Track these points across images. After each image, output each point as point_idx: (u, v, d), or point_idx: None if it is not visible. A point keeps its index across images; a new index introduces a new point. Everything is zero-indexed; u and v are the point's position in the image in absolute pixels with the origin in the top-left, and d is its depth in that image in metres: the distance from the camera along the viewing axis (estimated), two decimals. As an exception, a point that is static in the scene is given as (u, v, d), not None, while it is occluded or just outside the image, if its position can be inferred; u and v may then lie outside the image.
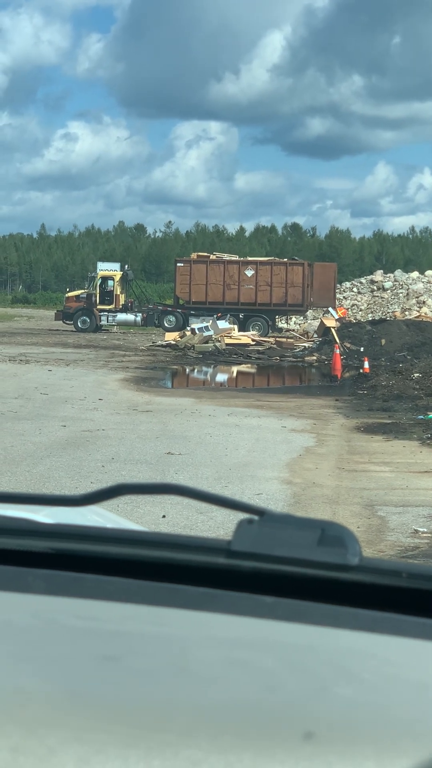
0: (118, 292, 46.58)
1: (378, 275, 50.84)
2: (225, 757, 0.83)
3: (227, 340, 35.40)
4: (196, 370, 28.77)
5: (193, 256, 46.81)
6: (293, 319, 46.34)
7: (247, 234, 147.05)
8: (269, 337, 38.59)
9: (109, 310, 46.11)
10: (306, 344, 35.87)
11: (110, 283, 46.68)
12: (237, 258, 46.85)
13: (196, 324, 37.95)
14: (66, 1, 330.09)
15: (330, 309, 40.99)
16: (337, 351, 26.22)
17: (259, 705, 0.92)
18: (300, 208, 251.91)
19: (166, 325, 43.31)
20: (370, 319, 38.40)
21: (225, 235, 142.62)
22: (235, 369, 29.32)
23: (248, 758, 0.83)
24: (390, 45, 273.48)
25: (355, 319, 41.10)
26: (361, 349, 28.99)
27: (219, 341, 35.07)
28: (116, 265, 49.30)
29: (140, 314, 45.74)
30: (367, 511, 9.09)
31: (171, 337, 37.09)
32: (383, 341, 29.60)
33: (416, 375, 22.11)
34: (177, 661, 1.01)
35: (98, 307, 46.05)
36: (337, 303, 43.77)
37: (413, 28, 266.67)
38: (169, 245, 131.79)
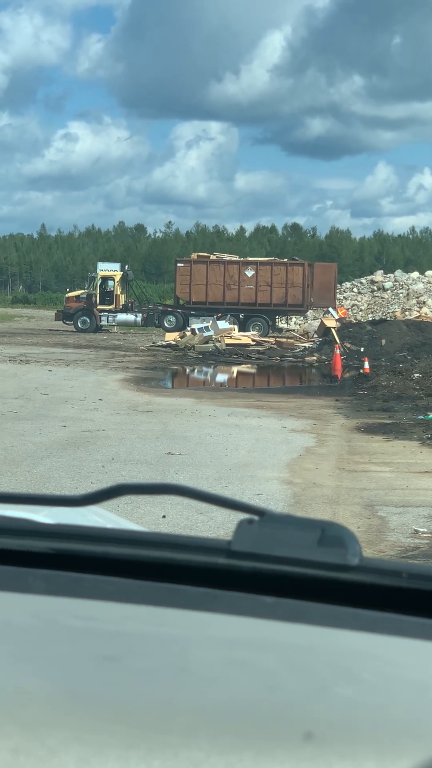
0: (119, 293, 46.58)
1: (378, 275, 50.84)
2: (225, 758, 0.83)
3: (227, 341, 35.41)
4: (196, 371, 28.78)
5: (194, 256, 46.82)
6: (293, 319, 46.35)
7: (247, 234, 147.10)
8: (269, 337, 38.60)
9: (109, 311, 46.10)
10: (306, 344, 35.88)
11: (110, 283, 46.68)
12: (237, 258, 46.86)
13: (196, 324, 37.96)
14: (66, 2, 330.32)
15: (330, 309, 40.99)
16: (338, 351, 26.23)
17: (259, 705, 0.92)
18: (300, 209, 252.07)
19: (166, 325, 43.31)
20: (371, 319, 38.41)
21: (225, 236, 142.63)
22: (235, 369, 29.32)
23: (249, 758, 0.83)
24: (390, 45, 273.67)
25: (356, 319, 41.10)
26: (362, 349, 28.99)
27: (219, 341, 35.08)
28: (116, 266, 49.29)
29: (140, 314, 45.73)
30: (368, 511, 9.09)
31: (171, 337, 37.08)
32: (383, 341, 29.61)
33: (416, 375, 22.11)
34: (177, 662, 1.01)
35: (98, 307, 46.04)
36: (337, 303, 43.77)
37: (413, 29, 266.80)
38: (170, 245, 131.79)
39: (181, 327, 41.29)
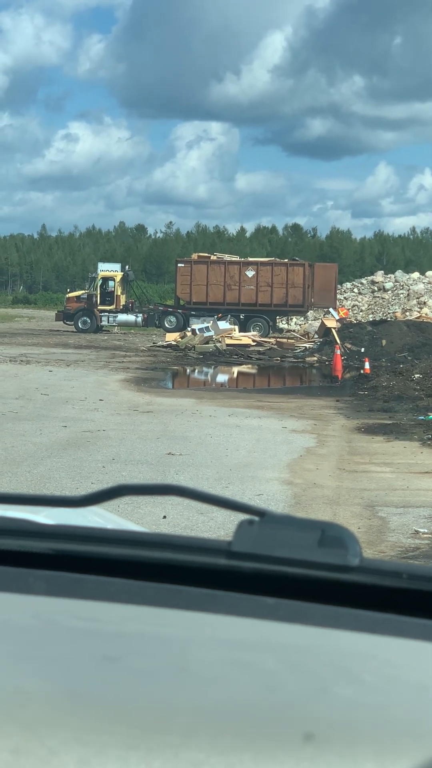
0: (119, 293, 46.58)
1: (379, 276, 50.85)
2: (226, 758, 0.83)
3: (228, 341, 35.42)
4: (196, 371, 28.78)
5: (194, 256, 46.83)
6: (294, 319, 46.35)
7: (247, 234, 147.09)
8: (270, 337, 38.61)
9: (109, 311, 46.10)
10: (307, 345, 35.89)
11: (111, 283, 46.68)
12: (238, 258, 46.85)
13: (196, 325, 37.95)
14: (67, 2, 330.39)
15: (331, 309, 40.98)
16: (338, 352, 26.23)
17: (259, 706, 0.92)
18: (301, 209, 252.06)
19: (166, 325, 43.31)
20: (371, 319, 38.42)
21: (226, 236, 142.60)
22: (235, 370, 29.32)
23: (249, 759, 0.84)
24: (391, 45, 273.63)
25: (356, 319, 41.10)
26: (362, 349, 29.00)
27: (220, 342, 35.08)
28: (117, 266, 49.29)
29: (141, 315, 45.73)
30: (368, 511, 9.09)
31: (172, 337, 37.09)
32: (384, 342, 29.62)
33: (417, 376, 22.11)
34: (177, 662, 1.01)
35: (99, 307, 46.04)
36: (337, 304, 43.77)
37: (414, 29, 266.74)
38: (170, 246, 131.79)
39: (181, 327, 41.29)
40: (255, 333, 39.66)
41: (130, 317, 45.98)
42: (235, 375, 28.06)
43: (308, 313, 44.92)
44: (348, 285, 51.75)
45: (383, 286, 48.46)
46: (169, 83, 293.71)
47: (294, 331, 42.64)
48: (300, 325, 44.58)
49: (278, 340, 37.31)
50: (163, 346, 35.33)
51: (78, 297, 47.07)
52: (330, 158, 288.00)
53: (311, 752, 0.84)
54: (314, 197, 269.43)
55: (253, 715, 0.90)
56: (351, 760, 0.84)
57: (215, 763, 0.83)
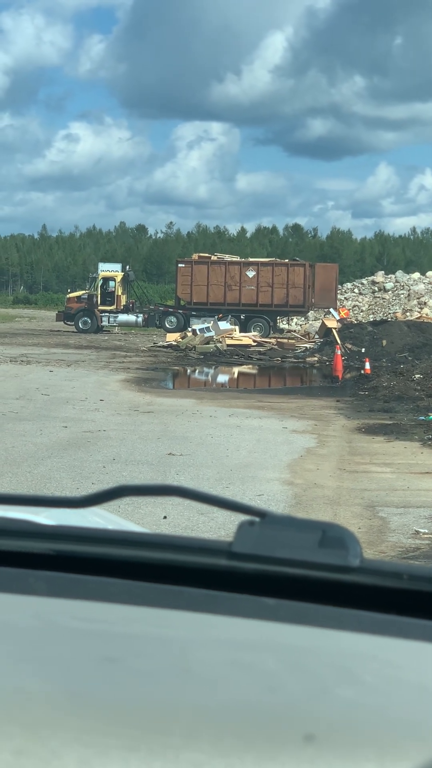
0: (120, 293, 46.57)
1: (379, 276, 50.83)
2: (227, 760, 0.83)
3: (228, 341, 35.41)
4: (197, 371, 28.78)
5: (195, 257, 46.81)
6: (294, 320, 46.32)
7: (248, 235, 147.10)
8: (270, 338, 38.60)
9: (110, 311, 46.09)
10: (307, 345, 35.88)
11: (111, 283, 46.66)
12: (238, 259, 46.84)
13: (197, 325, 37.95)
14: (68, 2, 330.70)
15: (331, 310, 40.97)
16: (339, 352, 26.23)
17: (260, 707, 0.92)
18: (301, 209, 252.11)
19: (167, 326, 43.30)
20: (372, 320, 38.40)
21: (226, 236, 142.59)
22: (236, 370, 29.32)
23: (250, 760, 0.84)
24: (391, 46, 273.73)
25: (357, 320, 41.09)
26: (363, 350, 29.00)
27: (220, 342, 35.08)
28: (117, 266, 49.25)
29: (141, 315, 45.71)
30: (368, 512, 9.09)
31: (172, 338, 37.08)
32: (384, 342, 29.62)
33: (417, 376, 22.11)
34: (178, 663, 1.01)
35: (99, 308, 46.02)
36: (338, 304, 43.77)
37: (415, 29, 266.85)
38: (171, 246, 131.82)
39: (182, 328, 41.27)
40: (255, 333, 39.65)
41: (130, 317, 45.96)
42: (236, 375, 28.06)
43: (309, 314, 44.91)
44: (348, 285, 51.73)
45: (384, 287, 48.44)
46: (169, 83, 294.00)
47: (294, 331, 42.63)
48: (300, 325, 44.58)
49: (279, 340, 37.30)
50: (163, 347, 35.32)
51: (78, 297, 47.05)
52: (331, 158, 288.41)
53: (312, 753, 0.84)
54: (315, 197, 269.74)
55: (254, 716, 0.90)
56: (352, 761, 0.84)
57: (216, 764, 0.83)
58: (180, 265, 44.70)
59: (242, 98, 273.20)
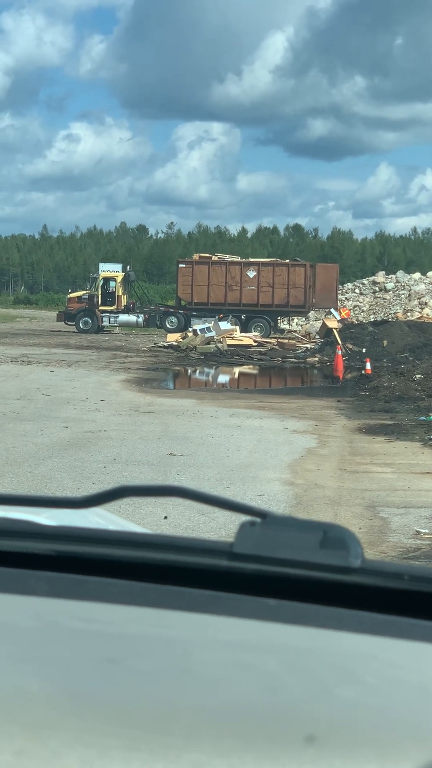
0: (120, 293, 46.57)
1: (380, 276, 50.84)
2: (228, 760, 0.83)
3: (229, 342, 35.41)
4: (198, 371, 28.78)
5: (195, 257, 46.81)
6: (295, 320, 46.32)
7: (249, 235, 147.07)
8: (271, 338, 38.60)
9: (111, 311, 46.09)
10: (308, 345, 35.87)
11: (112, 284, 46.66)
12: (239, 259, 46.85)
13: (198, 325, 37.95)
14: (68, 2, 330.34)
15: (332, 310, 40.98)
16: (339, 352, 26.23)
17: (261, 707, 0.92)
18: (302, 209, 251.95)
19: (168, 326, 43.30)
20: (372, 320, 38.40)
21: (227, 236, 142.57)
22: (236, 370, 29.33)
23: (251, 761, 0.84)
24: (392, 46, 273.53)
25: (357, 320, 41.09)
26: (363, 350, 29.00)
27: (221, 342, 35.08)
28: (118, 266, 49.26)
29: (142, 315, 45.71)
30: (369, 512, 9.09)
31: (173, 338, 37.09)
32: (385, 342, 29.62)
33: (418, 376, 22.11)
34: (179, 664, 1.01)
35: (100, 308, 46.02)
36: (339, 304, 43.77)
37: (415, 29, 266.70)
38: (171, 246, 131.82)
39: (182, 328, 41.27)
40: (256, 333, 39.65)
41: (131, 318, 45.96)
42: (237, 375, 28.07)
43: (309, 314, 44.91)
44: (349, 285, 51.73)
45: (384, 287, 48.45)
46: (170, 84, 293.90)
47: (295, 331, 42.62)
48: (301, 325, 44.57)
49: (279, 340, 37.30)
50: (164, 347, 35.33)
51: (79, 297, 47.06)
52: (331, 159, 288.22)
53: (313, 754, 0.85)
54: (315, 198, 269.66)
55: (254, 717, 0.90)
56: (352, 762, 0.84)
57: (217, 765, 0.83)
58: (181, 265, 44.70)
59: (243, 98, 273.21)
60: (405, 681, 1.01)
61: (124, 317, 45.99)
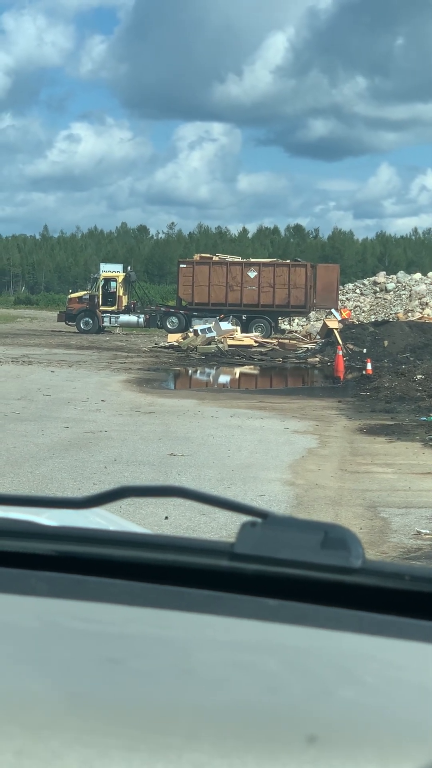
0: (121, 294, 46.57)
1: (381, 277, 50.84)
2: (228, 761, 0.83)
3: (230, 342, 35.42)
4: (198, 372, 28.78)
5: (196, 257, 46.80)
6: (296, 320, 46.33)
7: (249, 235, 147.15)
8: (272, 338, 38.59)
9: (111, 312, 46.10)
10: (309, 346, 35.87)
11: (113, 284, 46.67)
12: (240, 259, 46.85)
13: (198, 325, 37.96)
14: (69, 3, 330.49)
15: (333, 310, 40.98)
16: (340, 352, 26.24)
17: (262, 708, 0.92)
18: (303, 210, 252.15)
19: (168, 326, 43.30)
20: (373, 320, 38.41)
21: (228, 237, 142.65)
22: (237, 370, 29.33)
23: (251, 761, 0.84)
24: (393, 46, 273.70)
25: (358, 320, 41.10)
26: (364, 350, 29.00)
27: (222, 343, 35.08)
28: (119, 267, 49.27)
29: (143, 316, 45.71)
30: (370, 512, 9.08)
31: (174, 338, 37.09)
32: (386, 343, 29.62)
33: (419, 376, 22.10)
34: (180, 664, 1.01)
35: (101, 308, 46.03)
36: (339, 304, 43.77)
37: (416, 30, 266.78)
38: (172, 246, 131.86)
39: (183, 328, 41.27)
40: (257, 334, 39.65)
41: (132, 318, 45.97)
42: (237, 376, 28.07)
43: (310, 314, 44.91)
44: (350, 286, 51.74)
45: (385, 287, 48.45)
46: (171, 84, 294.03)
47: (296, 331, 42.62)
48: (302, 325, 44.57)
49: (280, 340, 37.29)
50: (165, 347, 35.33)
51: (80, 298, 47.07)
52: (332, 159, 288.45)
53: (314, 754, 0.84)
54: (316, 198, 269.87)
55: (255, 717, 0.90)
56: (353, 762, 0.84)
57: (218, 765, 0.83)
58: (181, 265, 44.71)
59: (243, 99, 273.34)
60: (405, 681, 1.01)
61: (124, 317, 46.00)
